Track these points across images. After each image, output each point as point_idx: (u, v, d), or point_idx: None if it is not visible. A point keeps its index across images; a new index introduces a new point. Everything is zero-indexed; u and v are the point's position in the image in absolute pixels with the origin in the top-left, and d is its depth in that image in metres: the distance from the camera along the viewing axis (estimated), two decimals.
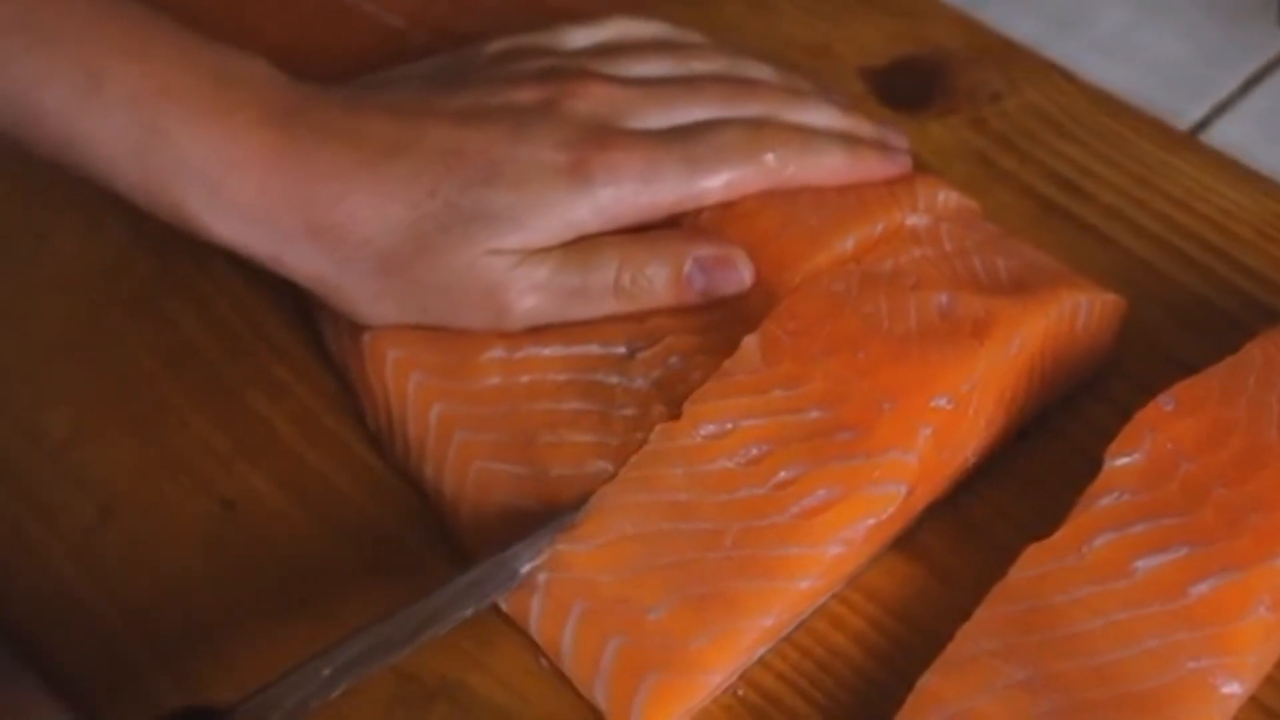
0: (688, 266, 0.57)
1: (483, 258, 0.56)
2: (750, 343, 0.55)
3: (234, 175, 0.55)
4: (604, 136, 0.57)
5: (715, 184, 0.58)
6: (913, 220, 0.58)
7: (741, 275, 0.57)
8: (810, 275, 0.57)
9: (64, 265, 0.65)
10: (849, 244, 0.58)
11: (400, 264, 0.55)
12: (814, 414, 0.53)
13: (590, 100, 0.57)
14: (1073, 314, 0.55)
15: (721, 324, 0.57)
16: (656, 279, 0.57)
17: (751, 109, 0.59)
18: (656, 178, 0.57)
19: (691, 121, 0.58)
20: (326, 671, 0.48)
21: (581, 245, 0.56)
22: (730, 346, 0.55)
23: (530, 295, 0.56)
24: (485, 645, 0.53)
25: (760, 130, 0.58)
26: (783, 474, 0.52)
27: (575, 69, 0.59)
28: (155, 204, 0.56)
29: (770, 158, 0.58)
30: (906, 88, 0.68)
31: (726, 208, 0.59)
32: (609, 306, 0.57)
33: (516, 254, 0.56)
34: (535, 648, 0.52)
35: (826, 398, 0.53)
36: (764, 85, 0.61)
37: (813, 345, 0.54)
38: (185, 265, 0.64)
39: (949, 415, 0.53)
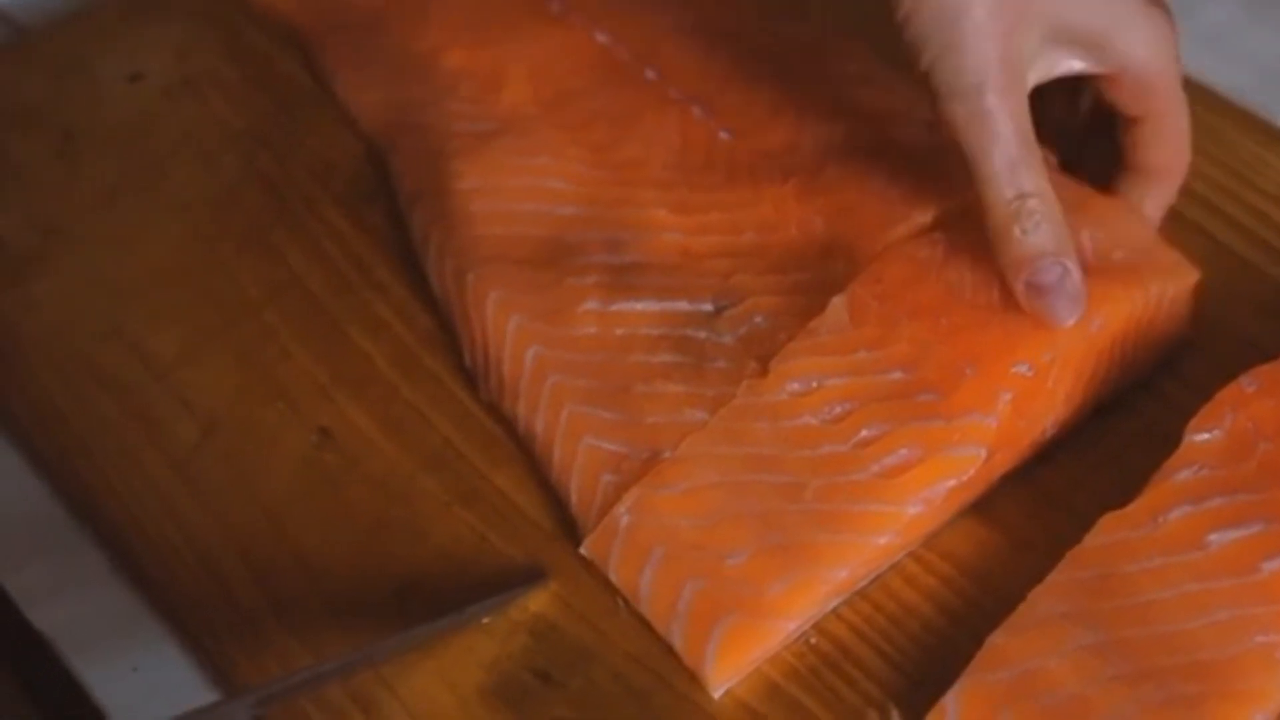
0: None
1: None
2: (838, 304, 0.56)
3: None
4: None
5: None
6: None
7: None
8: (892, 244, 0.58)
9: (179, 196, 0.67)
10: (928, 217, 0.59)
11: None
12: (897, 375, 0.54)
13: None
14: (1158, 297, 0.57)
15: (803, 286, 0.58)
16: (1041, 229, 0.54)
17: None
18: None
19: None
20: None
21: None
22: (811, 309, 0.57)
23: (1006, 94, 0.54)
24: (569, 583, 0.55)
25: None
26: (864, 432, 0.54)
27: None
28: None
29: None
30: None
31: (814, 177, 0.61)
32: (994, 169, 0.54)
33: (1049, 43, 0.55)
34: (615, 591, 0.54)
35: (909, 360, 0.55)
36: None
37: (897, 309, 0.56)
38: (295, 204, 0.66)
39: (1029, 382, 0.54)
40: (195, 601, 0.56)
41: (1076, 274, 0.54)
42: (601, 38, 0.68)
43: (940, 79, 0.53)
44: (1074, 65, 0.56)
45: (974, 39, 0.53)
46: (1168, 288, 0.57)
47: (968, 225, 0.58)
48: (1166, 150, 0.59)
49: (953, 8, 0.53)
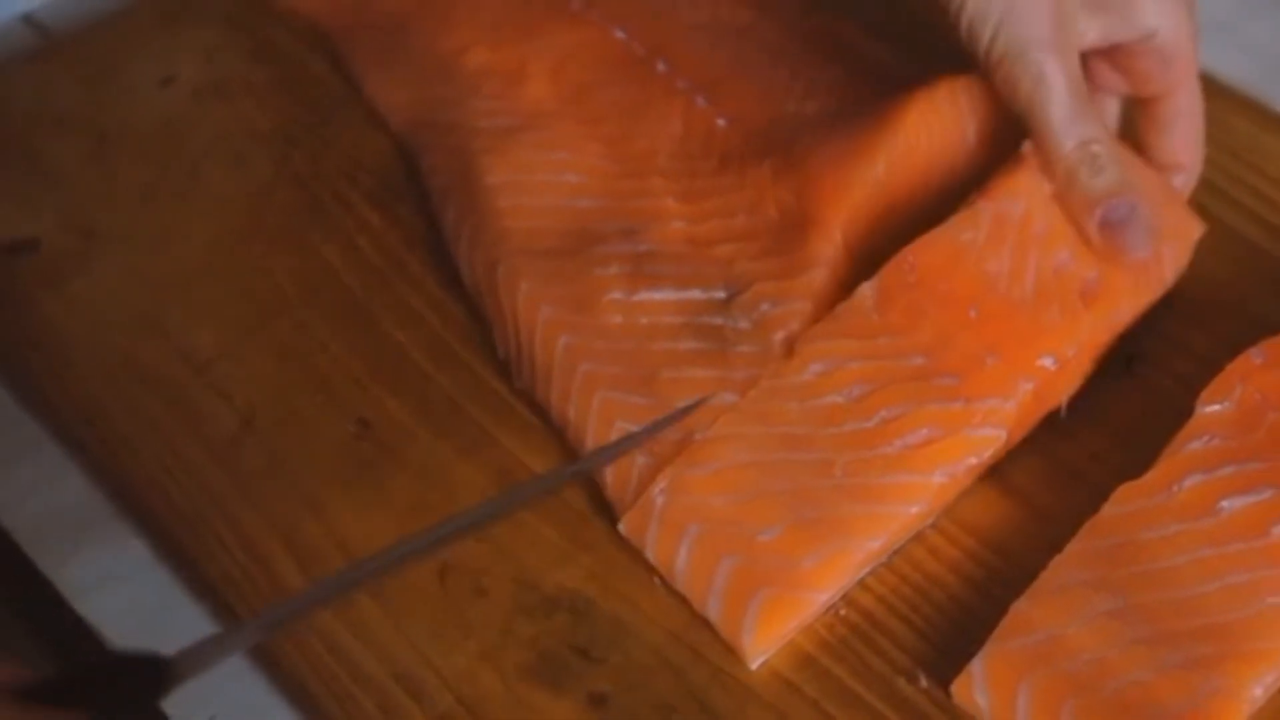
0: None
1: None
2: (865, 290, 0.58)
3: None
4: None
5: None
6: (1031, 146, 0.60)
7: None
8: (860, 205, 0.60)
9: (213, 197, 0.69)
10: (879, 170, 0.61)
11: None
12: (917, 360, 0.56)
13: None
14: (1175, 270, 0.60)
15: (797, 268, 0.60)
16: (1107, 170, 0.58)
17: None
18: None
19: None
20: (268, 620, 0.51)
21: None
22: (812, 288, 0.59)
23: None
24: (603, 562, 0.56)
25: None
26: (885, 412, 0.56)
27: None
28: None
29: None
30: None
31: (786, 156, 0.62)
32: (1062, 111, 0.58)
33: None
34: (651, 569, 0.56)
35: (930, 347, 0.56)
36: None
37: (926, 297, 0.57)
38: (327, 201, 0.68)
39: (1051, 374, 0.56)
40: (240, 587, 0.58)
41: (1145, 209, 0.58)
42: (619, 34, 0.70)
43: (1002, 44, 0.57)
44: (1106, 31, 0.59)
45: (1030, 3, 0.57)
46: (1178, 247, 0.60)
47: (1018, 189, 0.59)
48: (1181, 136, 0.61)
49: None
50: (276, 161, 0.70)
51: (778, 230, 0.62)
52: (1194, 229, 0.61)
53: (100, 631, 0.58)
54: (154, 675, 0.44)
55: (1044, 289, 0.57)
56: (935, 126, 0.61)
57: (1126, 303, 0.58)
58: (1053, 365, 0.56)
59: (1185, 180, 0.62)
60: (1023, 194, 0.59)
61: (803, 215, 0.61)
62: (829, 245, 0.60)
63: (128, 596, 0.58)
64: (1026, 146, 0.59)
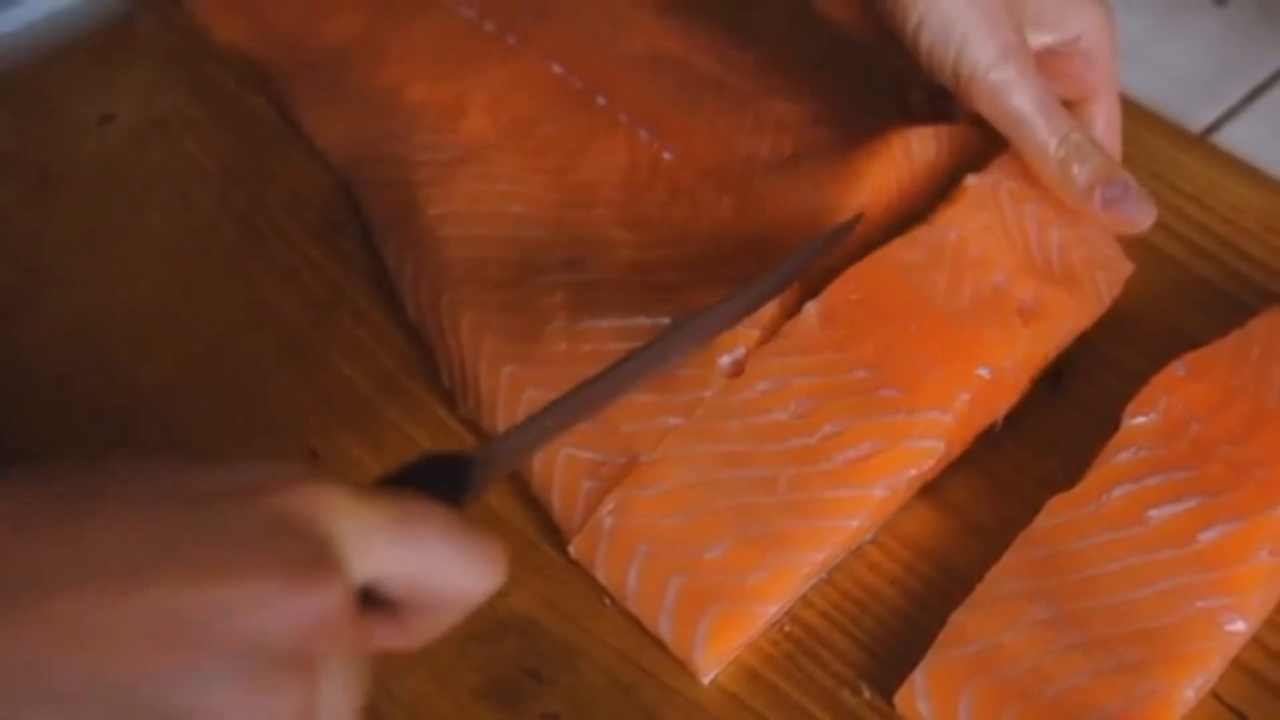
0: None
1: None
2: (809, 308, 0.59)
3: None
4: None
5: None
6: (974, 180, 0.62)
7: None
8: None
9: (156, 234, 0.70)
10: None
11: None
12: (860, 373, 0.58)
13: None
14: (1110, 297, 0.62)
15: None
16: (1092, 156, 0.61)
17: None
18: None
19: None
20: (550, 423, 0.50)
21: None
22: (758, 316, 0.60)
23: None
24: (552, 585, 0.57)
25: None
26: (828, 427, 0.57)
27: None
28: None
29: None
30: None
31: (745, 191, 0.64)
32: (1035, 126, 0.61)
33: None
34: (598, 591, 0.57)
35: (873, 360, 0.58)
36: None
37: (868, 314, 0.59)
38: (269, 236, 0.69)
39: (987, 384, 0.58)
40: None
41: (1133, 180, 0.61)
42: (556, 68, 0.71)
43: (968, 65, 0.60)
44: (1045, 38, 0.62)
45: (989, 21, 0.60)
46: (1111, 282, 0.62)
47: (950, 219, 0.61)
48: (1100, 136, 0.63)
49: (962, 2, 0.59)
50: (218, 197, 0.70)
51: (734, 261, 0.63)
52: (1125, 267, 0.63)
53: None
54: (463, 471, 0.47)
55: (981, 306, 0.59)
56: (891, 178, 0.64)
57: (1065, 323, 0.60)
58: (989, 375, 0.58)
59: None
60: (958, 224, 0.61)
61: (764, 249, 0.63)
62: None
63: None
64: (970, 180, 0.62)
